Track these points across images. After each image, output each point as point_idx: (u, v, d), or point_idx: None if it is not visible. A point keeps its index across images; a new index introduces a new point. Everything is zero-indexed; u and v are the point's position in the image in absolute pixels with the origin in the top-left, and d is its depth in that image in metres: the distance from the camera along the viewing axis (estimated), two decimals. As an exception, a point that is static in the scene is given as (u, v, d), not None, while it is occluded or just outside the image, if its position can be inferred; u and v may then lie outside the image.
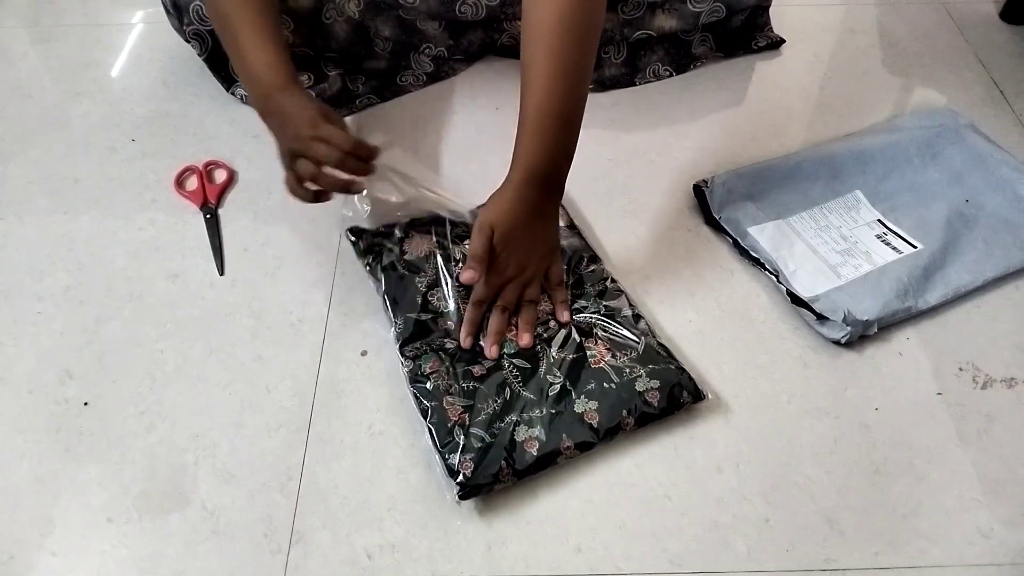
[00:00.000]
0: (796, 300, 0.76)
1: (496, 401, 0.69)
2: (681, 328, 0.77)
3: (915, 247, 0.81)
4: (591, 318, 0.75)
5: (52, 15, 1.14)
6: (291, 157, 0.72)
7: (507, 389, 0.70)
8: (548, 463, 0.66)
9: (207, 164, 0.91)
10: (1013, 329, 0.77)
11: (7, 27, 1.13)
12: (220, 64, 0.97)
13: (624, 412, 0.68)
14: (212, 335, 0.76)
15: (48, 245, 0.84)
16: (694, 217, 0.87)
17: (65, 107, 1.00)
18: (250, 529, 0.64)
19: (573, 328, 0.74)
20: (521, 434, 0.66)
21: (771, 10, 1.05)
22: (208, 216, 0.86)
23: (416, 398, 0.69)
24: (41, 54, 1.08)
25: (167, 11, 0.92)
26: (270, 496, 0.66)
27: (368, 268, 0.80)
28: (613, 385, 0.69)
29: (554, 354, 0.72)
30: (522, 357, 0.72)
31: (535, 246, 0.75)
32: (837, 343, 0.75)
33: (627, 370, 0.70)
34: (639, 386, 0.69)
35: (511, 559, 0.63)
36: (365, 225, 0.83)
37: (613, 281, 0.78)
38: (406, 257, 0.79)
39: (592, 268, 0.79)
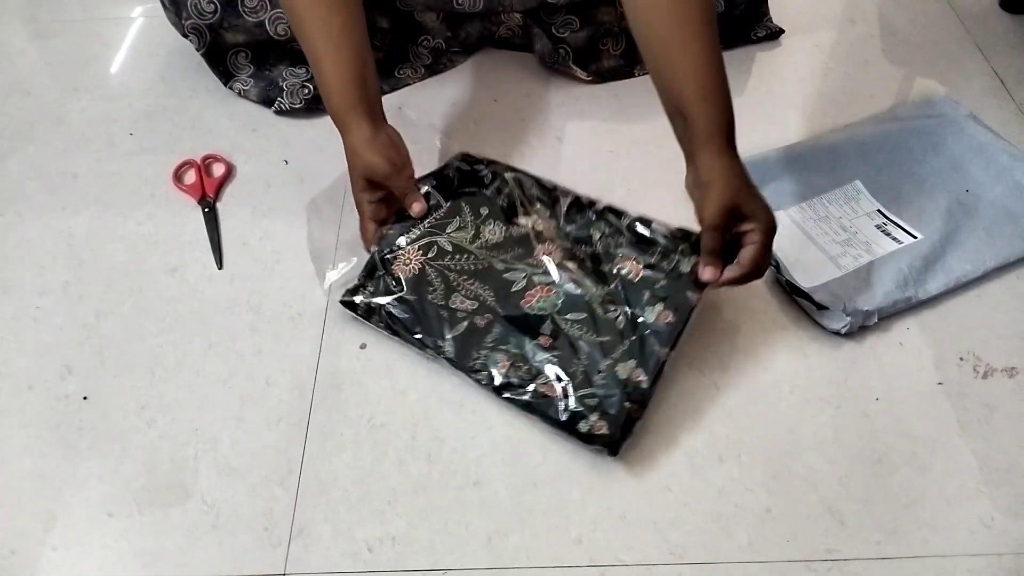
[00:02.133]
0: (796, 291, 0.76)
1: (579, 360, 0.68)
2: (681, 319, 0.77)
3: (915, 237, 0.81)
4: (606, 239, 0.75)
5: (50, 11, 1.13)
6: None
7: (580, 344, 0.69)
8: (658, 378, 0.68)
9: (205, 158, 0.91)
10: (1014, 318, 0.77)
11: (5, 23, 1.12)
12: (218, 58, 0.96)
13: (688, 294, 0.70)
14: (211, 329, 0.76)
15: (47, 241, 0.84)
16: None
17: (63, 103, 1.00)
18: (251, 522, 0.64)
19: (589, 259, 0.74)
20: (623, 372, 0.67)
21: (770, 0, 1.05)
22: (206, 210, 0.86)
23: (518, 398, 0.68)
24: (39, 50, 1.08)
25: (164, 6, 0.92)
26: (271, 489, 0.66)
27: (386, 327, 0.74)
28: (663, 282, 0.70)
29: (595, 290, 0.72)
30: (572, 312, 0.71)
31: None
32: (837, 333, 0.75)
33: (665, 263, 0.72)
34: (683, 267, 0.71)
35: (512, 550, 0.63)
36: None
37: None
38: (403, 279, 0.74)
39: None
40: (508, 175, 0.79)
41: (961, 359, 0.74)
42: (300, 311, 0.78)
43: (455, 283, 0.74)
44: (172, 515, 0.65)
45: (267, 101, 0.97)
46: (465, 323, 0.72)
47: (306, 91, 0.95)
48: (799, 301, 0.77)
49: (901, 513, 0.64)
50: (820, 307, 0.75)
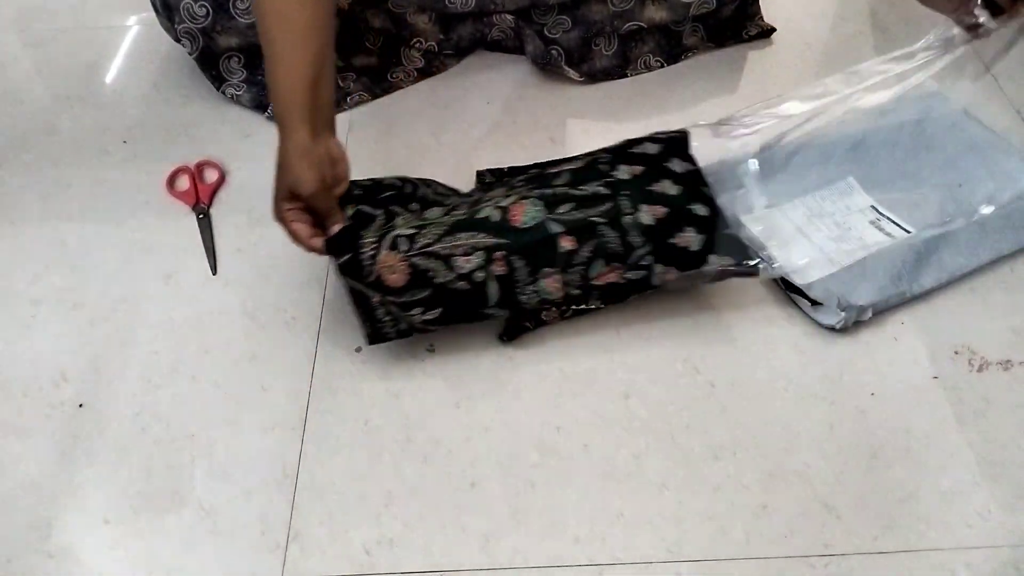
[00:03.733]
0: (790, 287, 0.76)
1: (607, 235, 0.70)
2: (674, 317, 0.77)
3: (908, 232, 0.81)
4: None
5: (43, 19, 1.13)
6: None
7: (595, 220, 0.70)
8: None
9: (199, 165, 0.91)
10: (1008, 311, 0.77)
11: (-3, 32, 1.12)
12: (211, 63, 0.97)
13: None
14: (206, 335, 0.76)
15: (41, 248, 0.84)
16: (687, 207, 0.87)
17: (57, 111, 1.00)
18: (247, 527, 0.64)
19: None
20: (646, 217, 0.70)
21: (761, -1, 1.05)
22: (200, 216, 0.86)
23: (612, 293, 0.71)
24: (32, 58, 1.08)
25: (156, 10, 0.92)
26: (267, 494, 0.66)
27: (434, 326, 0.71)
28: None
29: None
30: (563, 205, 0.70)
31: None
32: (832, 329, 0.75)
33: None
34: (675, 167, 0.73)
35: (509, 551, 0.63)
36: None
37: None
38: (401, 286, 0.69)
39: None
40: (410, 177, 0.78)
41: (956, 353, 0.74)
42: (295, 316, 0.78)
43: (445, 251, 0.68)
44: (169, 521, 0.65)
45: (260, 107, 0.97)
46: (484, 278, 0.68)
47: (299, 96, 0.95)
48: (793, 297, 0.77)
49: (897, 507, 0.64)
50: (814, 303, 0.75)
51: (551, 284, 0.69)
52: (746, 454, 0.68)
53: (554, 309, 0.72)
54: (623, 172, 0.72)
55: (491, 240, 0.68)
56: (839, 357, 0.74)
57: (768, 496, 0.65)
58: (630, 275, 0.70)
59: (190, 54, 0.95)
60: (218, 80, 0.98)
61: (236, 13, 0.90)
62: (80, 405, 0.72)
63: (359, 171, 0.91)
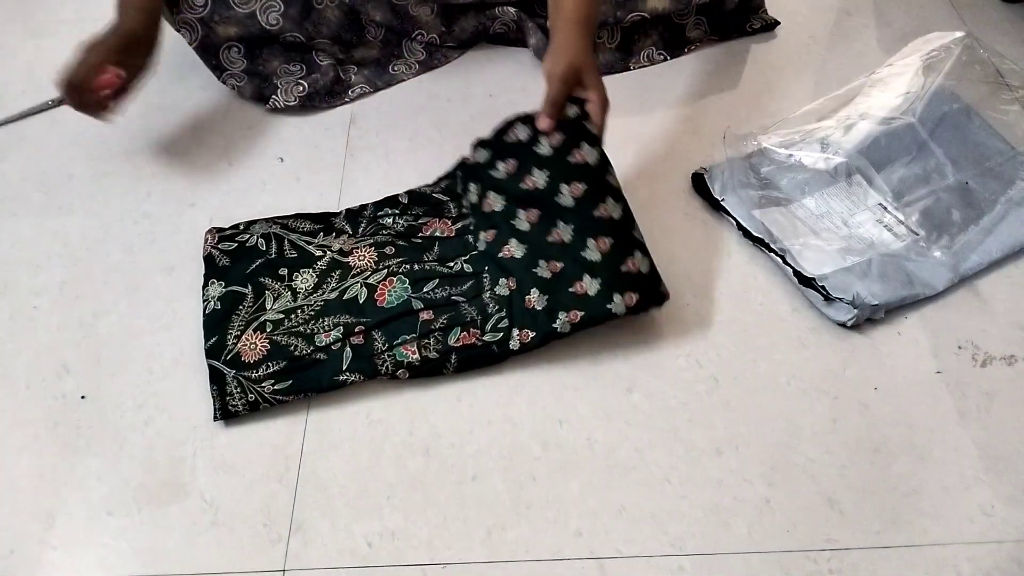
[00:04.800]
0: (803, 281, 0.76)
1: (460, 308, 0.74)
2: (679, 311, 0.76)
3: (917, 234, 0.80)
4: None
5: (44, 11, 1.13)
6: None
7: (454, 298, 0.75)
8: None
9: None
10: (1012, 307, 0.77)
11: (0, 23, 1.12)
12: (211, 53, 0.96)
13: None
14: (209, 327, 0.76)
15: (43, 241, 0.84)
16: (691, 202, 0.86)
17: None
18: (249, 519, 0.64)
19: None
20: (502, 289, 0.76)
21: (765, -8, 1.05)
22: (203, 208, 0.86)
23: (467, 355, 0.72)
24: (34, 50, 1.08)
25: (157, 2, 0.92)
26: (269, 486, 0.66)
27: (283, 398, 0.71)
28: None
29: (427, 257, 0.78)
30: (426, 283, 0.76)
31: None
32: (843, 325, 0.74)
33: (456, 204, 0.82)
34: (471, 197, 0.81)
35: (511, 544, 0.63)
36: None
37: None
38: (258, 360, 0.71)
39: None
40: (273, 229, 0.81)
41: (959, 348, 0.74)
42: (297, 308, 0.77)
43: (309, 330, 0.73)
44: (171, 513, 0.65)
45: (261, 98, 0.96)
46: (344, 347, 0.72)
47: (300, 88, 0.95)
48: (805, 292, 0.76)
49: (900, 502, 0.64)
50: (827, 297, 0.74)
51: (407, 349, 0.71)
52: (749, 448, 0.68)
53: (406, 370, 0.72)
54: (523, 222, 0.76)
55: (353, 319, 0.73)
56: (843, 352, 0.74)
57: (771, 490, 0.65)
58: (487, 338, 0.72)
59: (190, 44, 0.94)
60: (219, 70, 0.97)
61: (234, 3, 0.90)
62: (82, 397, 0.72)
63: (360, 168, 0.91)
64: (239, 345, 0.72)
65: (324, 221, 0.82)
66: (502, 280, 0.75)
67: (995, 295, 0.78)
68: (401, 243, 0.79)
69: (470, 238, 0.78)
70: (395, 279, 0.75)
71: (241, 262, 0.78)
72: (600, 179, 0.74)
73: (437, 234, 0.79)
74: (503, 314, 0.73)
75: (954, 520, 0.63)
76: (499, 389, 0.72)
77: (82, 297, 0.79)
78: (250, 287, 0.76)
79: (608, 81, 0.99)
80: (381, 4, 0.95)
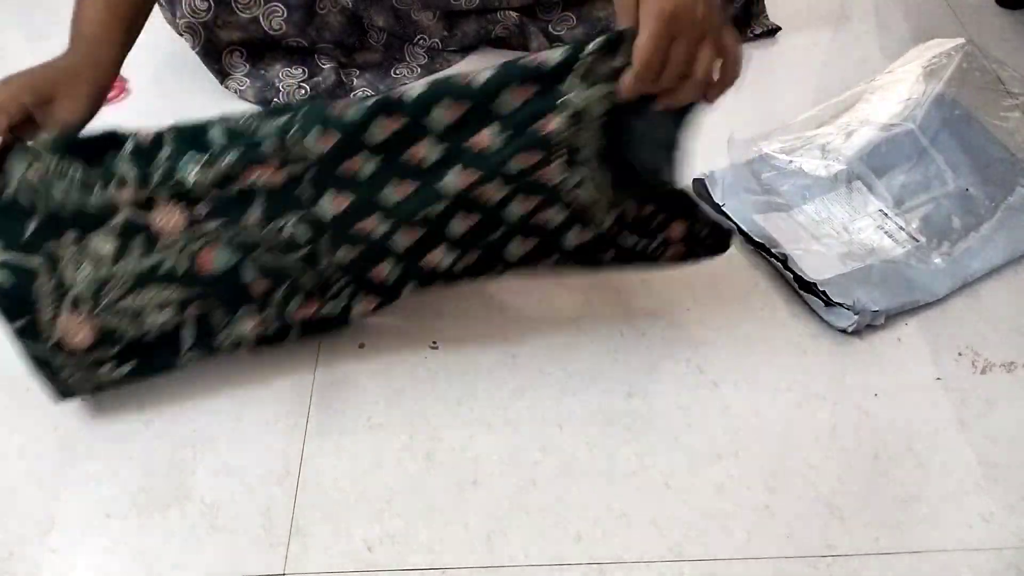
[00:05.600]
0: (803, 285, 0.76)
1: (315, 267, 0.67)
2: (679, 316, 0.77)
3: (917, 240, 0.81)
4: None
5: (45, 13, 1.13)
6: None
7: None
8: None
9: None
10: (1012, 313, 0.77)
11: (1, 26, 1.12)
12: (214, 57, 0.96)
13: None
14: (209, 330, 0.76)
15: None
16: (691, 206, 0.86)
17: (59, 104, 0.99)
18: (250, 523, 0.64)
19: None
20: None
21: (766, -2, 1.05)
22: (204, 211, 0.86)
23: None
24: (35, 52, 1.07)
25: (160, 4, 0.92)
26: (269, 490, 0.66)
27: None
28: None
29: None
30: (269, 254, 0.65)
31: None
32: (843, 331, 0.74)
33: None
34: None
35: (512, 549, 0.63)
36: None
37: None
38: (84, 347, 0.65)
39: None
40: (34, 176, 0.61)
41: (959, 354, 0.74)
42: (297, 311, 0.78)
43: (134, 308, 0.64)
44: (171, 516, 0.65)
45: (264, 102, 0.97)
46: (178, 324, 0.66)
47: (302, 92, 0.95)
48: (805, 297, 0.76)
49: (900, 509, 0.64)
50: (828, 303, 0.74)
51: (244, 324, 0.68)
52: (748, 454, 0.68)
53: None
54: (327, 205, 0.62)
55: (182, 293, 0.65)
56: (842, 358, 0.74)
57: (771, 496, 0.65)
58: (327, 310, 0.69)
59: (192, 48, 0.94)
60: (221, 74, 0.98)
61: (237, 8, 0.90)
62: (82, 399, 0.72)
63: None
64: (57, 331, 0.63)
65: (100, 164, 0.63)
66: (344, 247, 0.65)
67: (995, 301, 0.78)
68: (213, 200, 0.62)
69: (303, 194, 0.62)
70: (217, 246, 0.63)
71: (10, 222, 0.61)
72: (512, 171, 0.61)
73: (259, 183, 0.61)
74: (345, 280, 0.68)
75: (954, 526, 0.63)
76: (499, 393, 0.72)
77: (83, 299, 0.79)
78: (39, 257, 0.62)
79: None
80: (383, 9, 0.96)
